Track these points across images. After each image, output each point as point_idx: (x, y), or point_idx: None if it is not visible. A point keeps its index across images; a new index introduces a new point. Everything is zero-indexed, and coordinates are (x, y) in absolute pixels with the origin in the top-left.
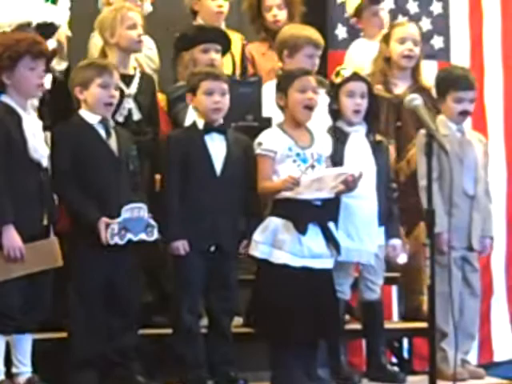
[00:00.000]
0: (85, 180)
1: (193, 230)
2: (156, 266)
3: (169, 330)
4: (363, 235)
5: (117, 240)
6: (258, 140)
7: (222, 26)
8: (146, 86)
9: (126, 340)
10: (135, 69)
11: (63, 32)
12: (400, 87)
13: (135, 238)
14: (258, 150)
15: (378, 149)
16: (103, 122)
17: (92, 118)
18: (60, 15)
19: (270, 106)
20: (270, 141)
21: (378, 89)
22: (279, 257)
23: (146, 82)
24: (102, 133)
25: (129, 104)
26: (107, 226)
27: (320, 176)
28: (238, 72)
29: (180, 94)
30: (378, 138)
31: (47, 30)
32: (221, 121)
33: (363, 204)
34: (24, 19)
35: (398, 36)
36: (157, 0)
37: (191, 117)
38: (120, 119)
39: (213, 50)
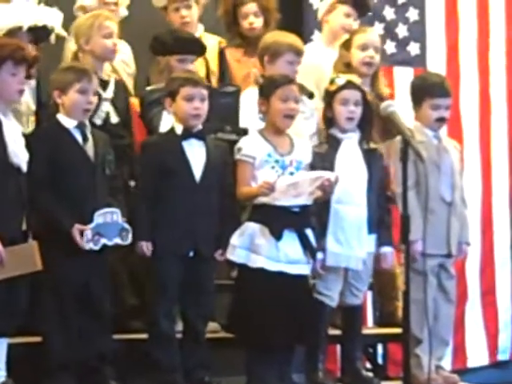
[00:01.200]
0: (61, 185)
1: (171, 235)
2: (139, 270)
3: (144, 335)
4: (352, 241)
5: (91, 246)
6: (238, 145)
7: (200, 30)
8: (120, 91)
9: (102, 344)
10: (109, 75)
11: None
12: None
13: (110, 243)
14: (237, 156)
15: (370, 156)
16: (80, 126)
17: (69, 123)
18: (53, 18)
19: (246, 114)
20: (250, 147)
21: None
22: (256, 261)
23: (120, 88)
24: (79, 137)
25: (106, 107)
26: (81, 232)
27: (296, 181)
28: (212, 77)
29: (154, 98)
30: (372, 145)
31: (40, 33)
32: (199, 127)
33: (353, 210)
34: (14, 23)
35: (359, 43)
36: (132, 4)
37: (166, 121)
38: (98, 122)
39: (189, 61)
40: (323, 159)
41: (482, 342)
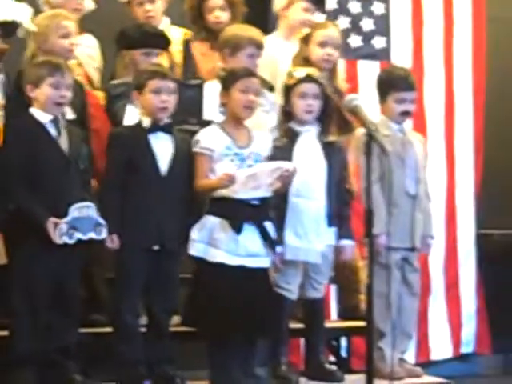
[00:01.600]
0: (35, 178)
1: (137, 228)
2: (88, 263)
3: (107, 329)
4: (311, 235)
5: (66, 239)
6: (196, 138)
7: (165, 23)
8: (77, 90)
9: (68, 338)
10: None
11: None
12: None
13: (85, 237)
14: (195, 148)
15: (329, 149)
16: (54, 120)
17: (43, 117)
18: (21, 12)
19: (209, 106)
20: (208, 139)
21: None
22: (215, 255)
23: (76, 87)
24: (53, 132)
25: None
26: (56, 225)
27: (255, 172)
28: (176, 70)
29: (119, 91)
30: (331, 138)
31: (8, 28)
32: (167, 120)
33: (311, 204)
34: None
35: (318, 39)
36: None
37: (130, 114)
38: None
39: (154, 55)
40: (282, 152)
41: (445, 334)
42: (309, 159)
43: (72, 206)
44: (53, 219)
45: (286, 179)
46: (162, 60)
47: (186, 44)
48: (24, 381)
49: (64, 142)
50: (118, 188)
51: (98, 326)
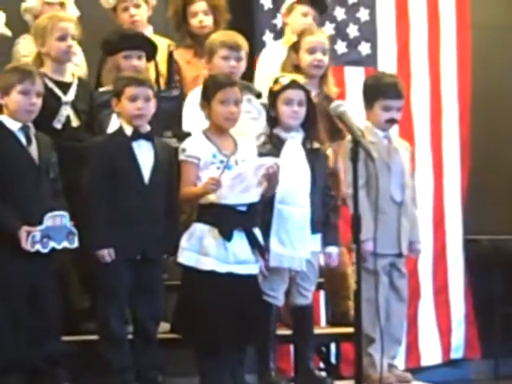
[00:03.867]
0: (4, 187)
1: (119, 237)
2: (91, 273)
3: (95, 337)
4: (295, 242)
5: (39, 248)
6: (182, 146)
7: (149, 31)
8: (83, 92)
9: (51, 347)
10: (73, 75)
11: None
12: None
13: (59, 246)
14: (181, 157)
15: (314, 156)
16: (24, 128)
17: (13, 125)
18: None
19: (193, 115)
20: (194, 147)
21: None
22: (206, 263)
23: (83, 89)
24: (23, 140)
25: (66, 111)
26: (28, 233)
27: (239, 172)
28: (162, 80)
29: (104, 99)
30: (316, 145)
31: None
32: (148, 127)
33: (296, 210)
34: None
35: (307, 46)
36: (84, 5)
37: (115, 123)
38: (58, 126)
39: (135, 57)
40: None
41: (435, 340)
42: (294, 166)
43: (46, 214)
44: (26, 227)
45: (273, 176)
46: (150, 69)
47: (170, 55)
48: None
49: (34, 150)
50: (104, 199)
51: (87, 333)
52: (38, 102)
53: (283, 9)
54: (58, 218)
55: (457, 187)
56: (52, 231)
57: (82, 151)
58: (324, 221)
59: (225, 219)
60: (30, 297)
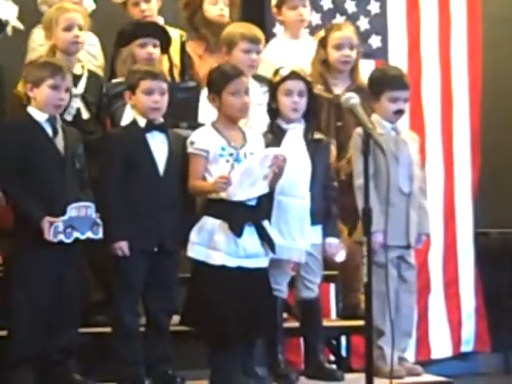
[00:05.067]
0: (30, 178)
1: (136, 229)
2: (105, 265)
3: (107, 329)
4: (295, 233)
5: (62, 238)
6: (190, 138)
7: (161, 22)
8: (93, 85)
9: (68, 338)
10: (83, 68)
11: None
12: (340, 87)
13: (82, 237)
14: (190, 149)
15: (315, 147)
16: (50, 120)
17: (40, 116)
18: (7, 11)
19: (207, 110)
20: (203, 140)
21: (319, 89)
22: (216, 258)
23: (93, 81)
24: (49, 131)
25: (76, 103)
26: (51, 224)
27: (246, 167)
28: (175, 71)
29: (118, 91)
30: (317, 136)
31: None
32: (161, 119)
33: (296, 202)
34: None
35: (334, 42)
36: None
37: (128, 115)
38: (69, 118)
39: (150, 45)
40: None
41: (445, 333)
42: (294, 157)
43: (70, 205)
44: (48, 218)
45: (279, 166)
46: (163, 60)
47: (183, 46)
48: (24, 380)
49: (60, 142)
50: (120, 192)
51: (98, 325)
52: (66, 96)
53: (272, 8)
54: (83, 209)
55: (467, 180)
56: (76, 222)
57: (94, 143)
58: (325, 212)
59: (235, 215)
60: (53, 287)
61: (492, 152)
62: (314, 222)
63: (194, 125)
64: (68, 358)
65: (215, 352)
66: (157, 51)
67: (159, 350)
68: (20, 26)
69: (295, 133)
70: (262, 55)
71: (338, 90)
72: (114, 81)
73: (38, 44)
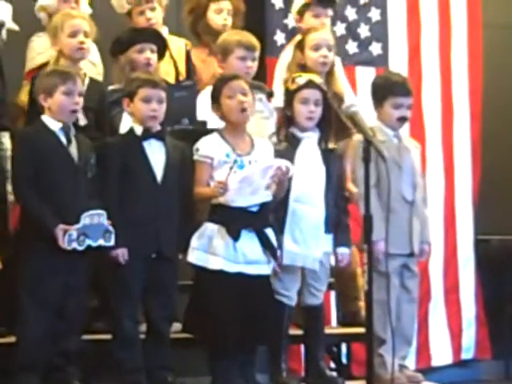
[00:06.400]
0: (44, 185)
1: (134, 237)
2: (100, 271)
3: (108, 336)
4: (309, 240)
5: (75, 246)
6: (196, 146)
7: (165, 31)
8: (93, 91)
9: (70, 344)
10: (85, 75)
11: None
12: None
13: (94, 244)
14: (195, 156)
15: (329, 156)
16: (64, 128)
17: (54, 125)
18: (3, 12)
19: (209, 111)
20: (208, 147)
21: None
22: (214, 263)
23: (94, 88)
24: (63, 139)
25: None
26: (65, 232)
27: (246, 175)
28: (181, 78)
29: (116, 98)
30: (331, 145)
31: None
32: (158, 127)
33: (310, 210)
34: None
35: (312, 43)
36: (96, 2)
37: (126, 122)
38: None
39: (148, 50)
40: (282, 157)
41: (445, 340)
42: (309, 166)
43: (84, 213)
44: (62, 226)
45: (282, 178)
46: (168, 67)
47: (188, 54)
48: None
49: (74, 150)
50: (118, 199)
51: (97, 332)
52: (80, 101)
53: (294, 13)
54: (96, 217)
55: (468, 187)
56: (89, 229)
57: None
58: (336, 221)
59: (233, 219)
60: (61, 294)
61: (492, 159)
62: (325, 231)
63: (194, 122)
64: (69, 364)
65: (215, 359)
66: (154, 56)
67: (159, 357)
68: (15, 27)
69: (310, 142)
70: (276, 68)
71: None
72: (110, 87)
73: (38, 52)
